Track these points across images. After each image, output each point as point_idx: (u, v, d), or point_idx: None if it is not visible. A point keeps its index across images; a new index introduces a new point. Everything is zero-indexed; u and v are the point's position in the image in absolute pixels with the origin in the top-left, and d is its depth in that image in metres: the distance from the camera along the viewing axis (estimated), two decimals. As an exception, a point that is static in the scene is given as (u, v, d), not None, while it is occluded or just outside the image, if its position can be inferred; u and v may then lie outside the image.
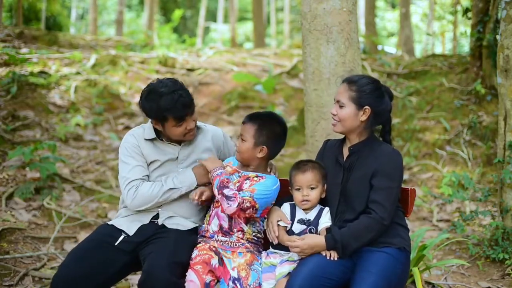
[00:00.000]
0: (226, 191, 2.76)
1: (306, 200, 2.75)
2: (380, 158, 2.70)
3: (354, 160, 2.77)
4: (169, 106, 2.80)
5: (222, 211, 2.81)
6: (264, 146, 2.84)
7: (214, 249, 2.79)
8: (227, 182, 2.79)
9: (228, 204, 2.74)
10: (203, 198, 2.88)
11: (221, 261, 2.75)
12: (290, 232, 2.77)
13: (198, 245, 2.82)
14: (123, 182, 2.89)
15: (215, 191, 2.80)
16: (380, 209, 2.63)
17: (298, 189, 2.77)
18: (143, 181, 2.89)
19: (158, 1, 23.75)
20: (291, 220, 2.79)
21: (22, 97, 7.68)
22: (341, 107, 2.75)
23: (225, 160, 3.03)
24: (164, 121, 2.88)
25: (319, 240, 2.66)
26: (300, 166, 2.80)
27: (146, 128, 2.99)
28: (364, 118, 2.74)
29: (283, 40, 24.54)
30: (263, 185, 2.80)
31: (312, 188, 2.75)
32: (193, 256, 2.76)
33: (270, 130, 2.85)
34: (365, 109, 2.72)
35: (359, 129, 2.77)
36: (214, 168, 2.85)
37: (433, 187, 6.26)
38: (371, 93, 2.73)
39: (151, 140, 2.98)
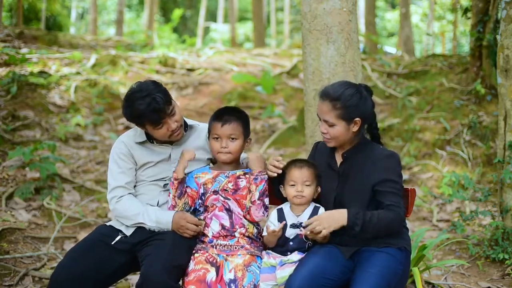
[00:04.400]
0: (266, 201, 2.80)
1: (300, 196, 2.73)
2: (378, 163, 2.67)
3: (349, 166, 2.74)
4: (141, 112, 2.78)
5: (251, 217, 2.80)
6: (250, 138, 2.92)
7: (211, 258, 2.76)
8: (267, 190, 2.81)
9: (263, 213, 2.79)
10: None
11: (218, 269, 2.72)
12: (283, 237, 2.75)
13: (195, 254, 2.79)
14: (108, 187, 2.98)
15: (256, 195, 2.76)
16: (400, 211, 2.63)
17: (293, 185, 2.74)
18: (128, 194, 2.92)
19: (158, 1, 23.75)
20: (283, 227, 2.76)
21: (22, 97, 7.68)
22: (330, 126, 2.68)
23: (194, 172, 2.92)
24: (142, 125, 2.89)
25: (341, 213, 2.60)
26: (296, 163, 2.78)
27: (138, 131, 3.00)
28: (356, 128, 2.70)
29: (283, 40, 24.54)
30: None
31: (307, 185, 2.74)
32: (189, 269, 2.73)
33: (247, 118, 2.91)
34: (356, 121, 2.68)
35: (352, 138, 2.74)
36: (263, 171, 2.81)
37: (433, 187, 6.26)
38: (357, 104, 2.66)
39: (143, 142, 2.98)
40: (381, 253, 2.65)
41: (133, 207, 2.88)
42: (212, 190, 2.85)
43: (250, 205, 2.78)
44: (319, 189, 2.79)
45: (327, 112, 2.67)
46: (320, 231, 2.59)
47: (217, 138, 2.83)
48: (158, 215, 2.85)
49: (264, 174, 2.80)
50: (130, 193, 2.94)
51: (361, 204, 2.67)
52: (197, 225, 2.81)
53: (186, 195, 2.85)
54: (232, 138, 2.81)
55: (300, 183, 2.73)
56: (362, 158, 2.72)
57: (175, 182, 2.81)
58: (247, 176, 2.84)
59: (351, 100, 2.64)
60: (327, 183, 2.78)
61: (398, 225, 2.66)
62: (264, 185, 2.78)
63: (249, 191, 2.79)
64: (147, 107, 2.77)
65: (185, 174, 2.85)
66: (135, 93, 2.82)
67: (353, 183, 2.71)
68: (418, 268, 3.50)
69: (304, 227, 2.71)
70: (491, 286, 3.86)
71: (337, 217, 2.62)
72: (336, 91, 2.67)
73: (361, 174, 2.70)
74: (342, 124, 2.66)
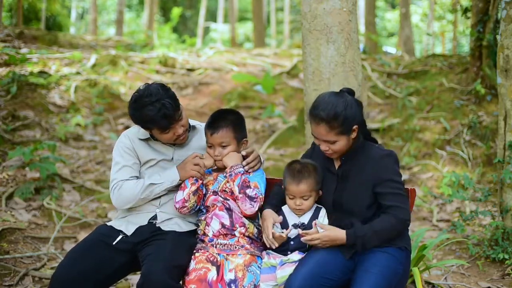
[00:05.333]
0: (248, 191, 2.77)
1: (299, 209, 2.75)
2: (377, 164, 2.66)
3: (348, 168, 2.73)
4: (150, 118, 2.77)
5: (242, 212, 2.79)
6: (246, 139, 2.92)
7: (212, 258, 2.76)
8: (248, 181, 2.79)
9: (251, 204, 2.76)
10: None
11: (219, 268, 2.72)
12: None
13: (196, 254, 2.80)
14: (110, 182, 2.94)
15: (235, 190, 2.77)
16: (401, 211, 2.63)
17: (291, 198, 2.75)
18: (127, 180, 2.89)
19: (158, 1, 23.75)
20: (284, 225, 2.76)
21: (22, 97, 7.68)
22: (332, 143, 2.66)
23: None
24: (149, 129, 2.90)
25: (340, 234, 2.62)
26: (294, 174, 2.73)
27: (141, 128, 2.99)
28: (354, 135, 2.69)
29: (283, 40, 24.55)
30: (260, 178, 2.85)
31: (305, 199, 2.73)
32: (190, 268, 2.74)
33: (240, 121, 2.89)
34: (354, 129, 2.67)
35: (351, 143, 2.73)
36: (235, 165, 2.81)
37: (433, 187, 6.26)
38: (351, 115, 2.63)
39: (146, 140, 2.98)
40: (381, 253, 2.65)
41: (136, 183, 2.87)
42: (212, 190, 2.88)
43: (237, 201, 2.79)
44: (320, 192, 2.78)
45: (326, 134, 2.63)
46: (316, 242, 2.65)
47: (210, 146, 2.87)
48: (162, 175, 2.87)
49: (237, 168, 2.80)
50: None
51: (360, 206, 2.67)
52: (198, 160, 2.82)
53: (197, 194, 2.87)
54: (223, 146, 2.84)
55: (298, 198, 2.73)
56: (361, 159, 2.72)
57: (200, 181, 2.83)
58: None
59: (345, 114, 2.61)
60: (325, 185, 2.77)
61: (400, 226, 2.66)
62: (240, 178, 2.78)
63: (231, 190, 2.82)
64: (157, 113, 2.76)
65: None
66: (144, 97, 2.80)
67: (352, 185, 2.71)
68: (418, 268, 3.50)
69: (304, 228, 2.72)
70: (491, 286, 3.85)
71: (336, 239, 2.63)
72: (328, 111, 2.60)
73: (360, 175, 2.69)
74: (343, 138, 2.65)
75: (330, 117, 2.60)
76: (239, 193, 2.76)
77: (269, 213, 2.78)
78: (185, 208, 2.85)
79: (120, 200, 2.89)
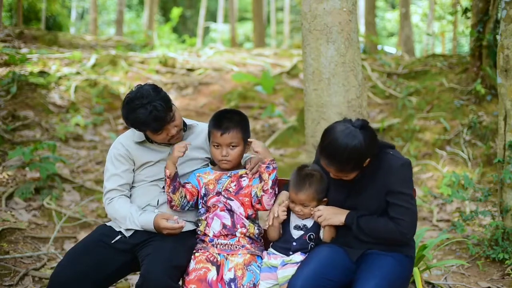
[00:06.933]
0: (276, 190, 2.80)
1: (300, 214, 2.75)
2: (390, 174, 2.62)
3: (362, 179, 2.68)
4: (142, 121, 2.78)
5: (263, 207, 2.82)
6: (249, 139, 2.91)
7: (212, 257, 2.76)
8: (277, 179, 2.81)
9: (273, 202, 2.79)
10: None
11: (219, 268, 2.72)
12: (289, 235, 2.76)
13: (196, 254, 2.80)
14: (103, 189, 3.00)
15: (269, 183, 2.76)
16: (403, 224, 2.61)
17: (293, 202, 2.76)
18: (120, 196, 2.93)
19: (158, 1, 23.76)
20: (286, 225, 2.77)
21: (22, 97, 7.68)
22: (345, 175, 2.63)
23: (196, 171, 2.94)
24: (143, 131, 2.91)
25: (341, 211, 2.68)
26: (296, 181, 2.72)
27: (136, 131, 2.99)
28: (367, 163, 2.64)
29: (283, 40, 24.56)
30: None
31: (305, 206, 2.73)
32: (189, 268, 2.74)
33: (246, 121, 2.90)
34: (367, 162, 2.62)
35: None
36: (272, 160, 2.80)
37: (433, 187, 6.26)
38: (364, 155, 2.55)
39: (141, 142, 2.99)
40: (385, 256, 2.64)
41: (121, 210, 2.89)
42: (216, 191, 2.86)
43: (262, 193, 2.78)
44: (325, 199, 2.77)
45: (336, 173, 2.62)
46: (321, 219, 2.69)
47: (217, 146, 2.84)
48: (141, 221, 2.85)
49: (275, 163, 2.80)
50: (122, 195, 2.95)
51: (377, 211, 2.66)
52: (174, 227, 2.80)
53: (181, 189, 2.85)
54: (232, 146, 2.82)
55: (298, 204, 2.74)
56: (375, 169, 2.66)
57: (167, 180, 2.81)
58: (251, 171, 2.86)
59: (357, 158, 2.54)
60: (336, 194, 2.75)
61: (397, 236, 2.63)
62: (275, 174, 2.79)
63: (261, 179, 2.80)
64: (149, 115, 2.76)
65: (176, 169, 2.83)
66: (135, 99, 2.80)
67: (365, 195, 2.68)
68: (418, 268, 3.50)
69: (307, 230, 2.73)
70: (491, 286, 3.86)
71: (338, 214, 2.68)
72: (338, 161, 2.54)
73: (373, 185, 2.65)
74: (355, 172, 2.63)
75: (342, 164, 2.56)
76: (271, 188, 2.78)
77: (284, 193, 2.83)
78: (174, 207, 2.87)
79: (108, 212, 2.98)
